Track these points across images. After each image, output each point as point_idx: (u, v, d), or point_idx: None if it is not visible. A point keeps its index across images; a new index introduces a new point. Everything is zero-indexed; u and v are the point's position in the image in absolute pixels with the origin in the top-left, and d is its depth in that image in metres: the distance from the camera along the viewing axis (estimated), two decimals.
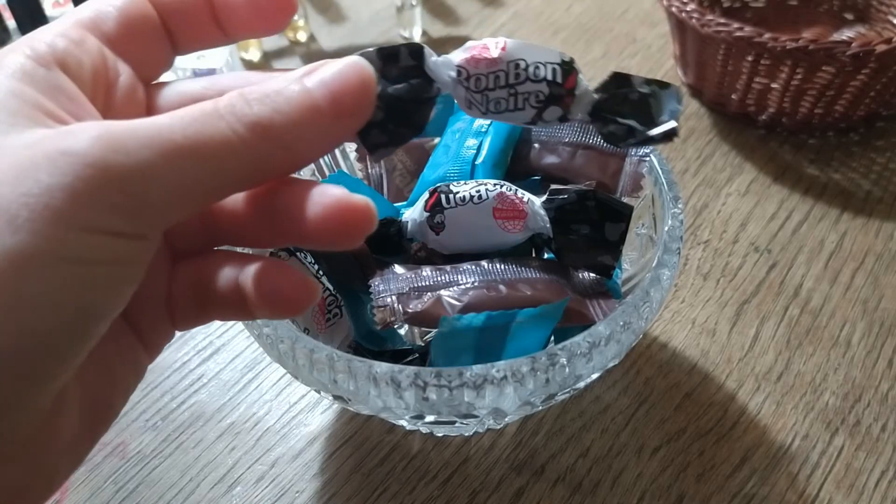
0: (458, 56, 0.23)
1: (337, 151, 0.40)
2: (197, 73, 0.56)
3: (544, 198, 0.31)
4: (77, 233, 0.16)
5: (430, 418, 0.29)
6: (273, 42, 0.67)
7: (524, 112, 0.23)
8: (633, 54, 0.63)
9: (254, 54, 0.64)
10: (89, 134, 0.16)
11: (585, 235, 0.30)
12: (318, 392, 0.30)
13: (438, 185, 0.32)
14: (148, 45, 0.22)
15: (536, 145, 0.37)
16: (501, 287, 0.30)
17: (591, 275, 0.32)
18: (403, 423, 0.34)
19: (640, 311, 0.29)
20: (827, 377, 0.40)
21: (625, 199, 0.36)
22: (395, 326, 0.35)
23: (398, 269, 0.31)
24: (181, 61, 0.56)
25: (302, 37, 0.67)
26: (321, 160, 0.40)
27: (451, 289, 0.30)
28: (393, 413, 0.29)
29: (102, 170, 0.16)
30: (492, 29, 0.67)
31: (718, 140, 0.55)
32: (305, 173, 0.38)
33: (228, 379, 0.41)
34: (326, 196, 0.19)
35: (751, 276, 0.45)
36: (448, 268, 0.31)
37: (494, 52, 0.22)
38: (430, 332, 0.37)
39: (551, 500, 0.35)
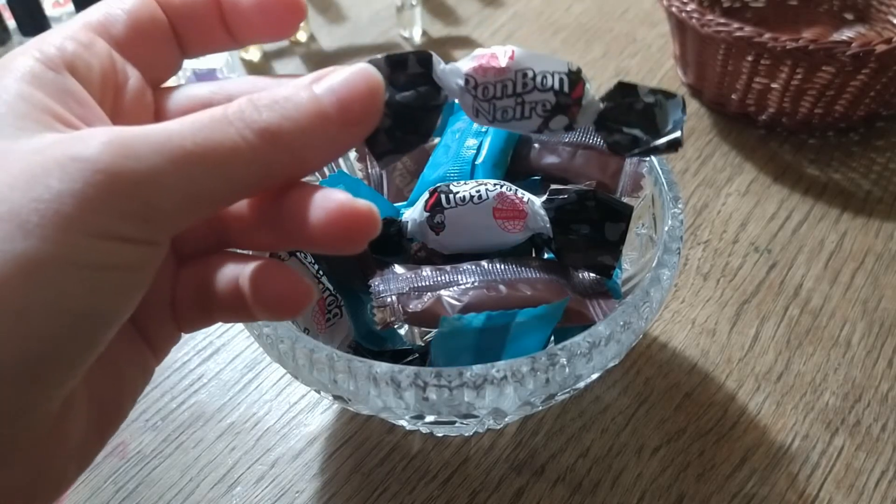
0: (466, 64, 0.23)
1: None
2: (197, 73, 0.56)
3: (544, 198, 0.31)
4: (87, 239, 0.16)
5: (430, 418, 0.29)
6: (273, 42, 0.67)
7: (531, 121, 0.23)
8: (633, 54, 0.63)
9: (254, 54, 0.64)
10: (100, 140, 0.16)
11: (585, 235, 0.30)
12: (318, 392, 0.30)
13: (438, 185, 0.32)
14: (157, 49, 0.22)
15: (536, 145, 0.37)
16: (501, 287, 0.30)
17: (591, 275, 0.32)
18: (403, 423, 0.34)
19: (640, 311, 0.29)
20: (827, 377, 0.40)
21: (625, 199, 0.36)
22: (395, 326, 0.35)
23: (398, 269, 0.31)
24: None
25: (302, 37, 0.66)
26: None
27: (451, 289, 0.30)
28: (393, 413, 0.29)
29: (113, 176, 0.16)
30: (492, 29, 0.67)
31: (718, 140, 0.55)
32: None
33: (228, 379, 0.41)
34: (330, 201, 0.19)
35: (751, 276, 0.45)
36: (448, 268, 0.31)
37: (503, 62, 0.22)
38: (430, 332, 0.37)
39: (551, 500, 0.35)
